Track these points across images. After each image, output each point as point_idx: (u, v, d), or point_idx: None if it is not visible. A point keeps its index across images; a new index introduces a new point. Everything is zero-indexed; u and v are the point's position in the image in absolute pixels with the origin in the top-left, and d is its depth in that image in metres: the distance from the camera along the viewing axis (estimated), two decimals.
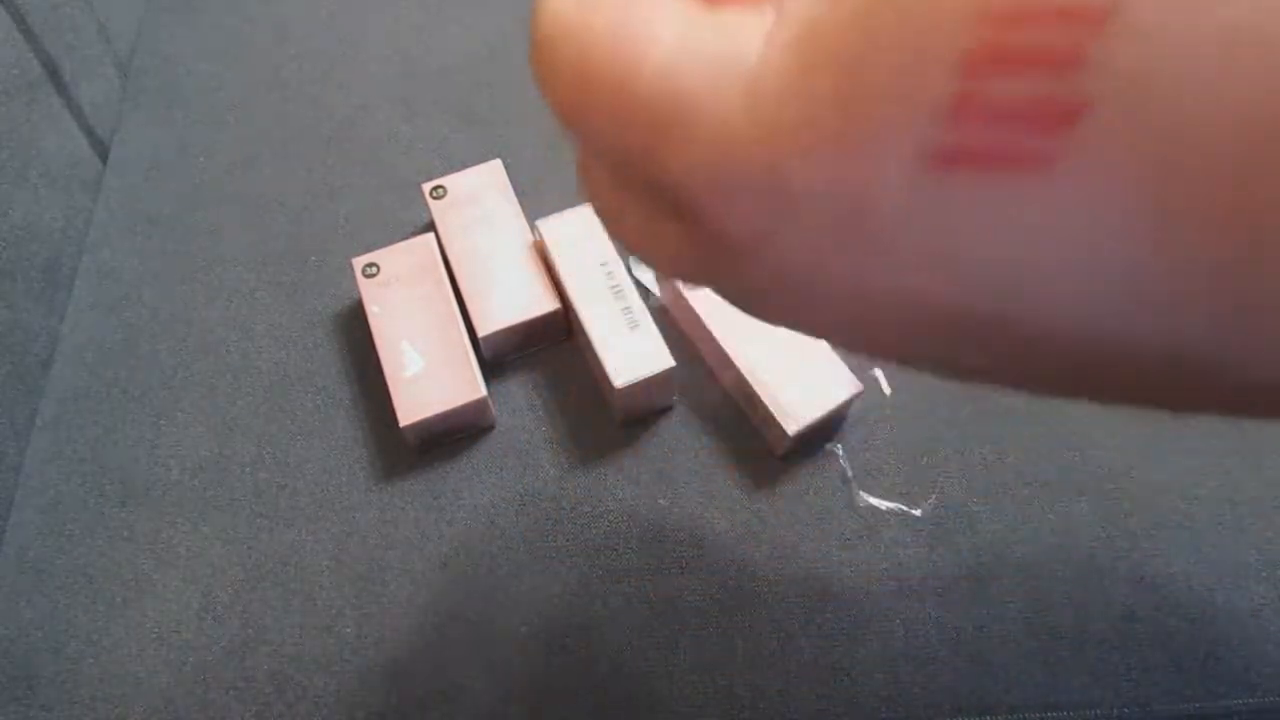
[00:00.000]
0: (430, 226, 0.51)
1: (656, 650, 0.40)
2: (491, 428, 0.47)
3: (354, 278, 0.48)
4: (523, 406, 0.47)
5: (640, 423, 0.46)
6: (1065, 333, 0.12)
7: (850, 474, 0.44)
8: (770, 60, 0.12)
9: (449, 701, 0.40)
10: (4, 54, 0.50)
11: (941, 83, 0.11)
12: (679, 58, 0.13)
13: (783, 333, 0.44)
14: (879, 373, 0.47)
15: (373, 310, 0.47)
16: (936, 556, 0.42)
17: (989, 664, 0.40)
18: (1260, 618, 0.40)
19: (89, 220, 0.55)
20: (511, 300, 0.47)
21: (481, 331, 0.46)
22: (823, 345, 0.44)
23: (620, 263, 0.46)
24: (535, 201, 0.51)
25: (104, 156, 0.58)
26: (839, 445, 0.45)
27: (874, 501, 0.43)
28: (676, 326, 0.48)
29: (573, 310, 0.45)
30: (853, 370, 0.44)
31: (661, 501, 0.44)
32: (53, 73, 0.54)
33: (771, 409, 0.42)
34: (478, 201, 0.50)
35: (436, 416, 0.43)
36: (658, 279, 0.48)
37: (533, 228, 0.49)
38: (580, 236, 0.47)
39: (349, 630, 0.41)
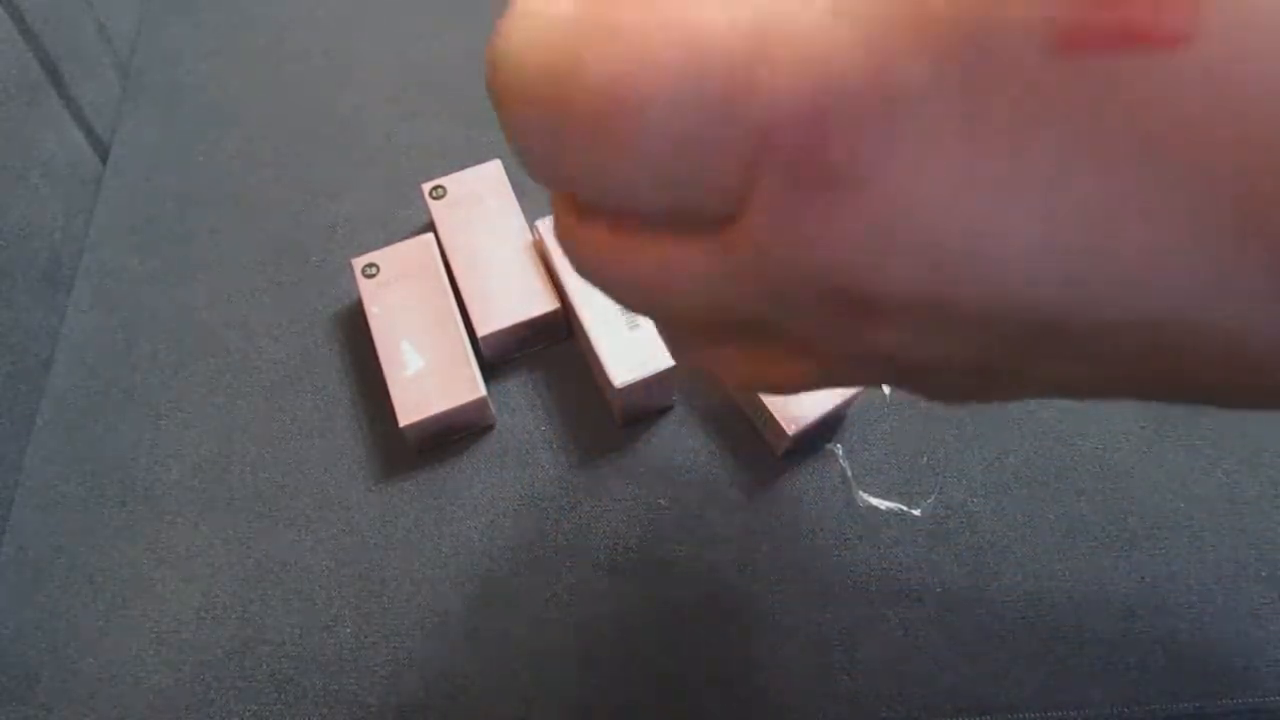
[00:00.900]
0: (430, 226, 0.51)
1: (656, 650, 0.40)
2: (491, 428, 0.47)
3: (354, 278, 0.48)
4: (523, 406, 0.47)
5: (640, 423, 0.46)
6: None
7: (850, 474, 0.44)
8: None
9: (449, 701, 0.40)
10: (4, 54, 0.50)
11: None
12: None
13: None
14: None
15: (372, 310, 0.47)
16: (936, 556, 0.42)
17: (989, 664, 0.40)
18: (1260, 618, 0.40)
19: (89, 220, 0.55)
20: (511, 300, 0.47)
21: (481, 331, 0.46)
22: None
23: None
24: (535, 201, 0.51)
25: (104, 156, 0.58)
26: (839, 445, 0.45)
27: (874, 501, 0.43)
28: None
29: (572, 310, 0.45)
30: None
31: (661, 501, 0.44)
32: (53, 73, 0.54)
33: (771, 409, 0.42)
34: (478, 201, 0.50)
35: (436, 416, 0.43)
36: None
37: (533, 228, 0.49)
38: None
39: (349, 630, 0.41)
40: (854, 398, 0.43)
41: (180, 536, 0.44)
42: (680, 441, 0.46)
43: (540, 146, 0.13)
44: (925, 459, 0.44)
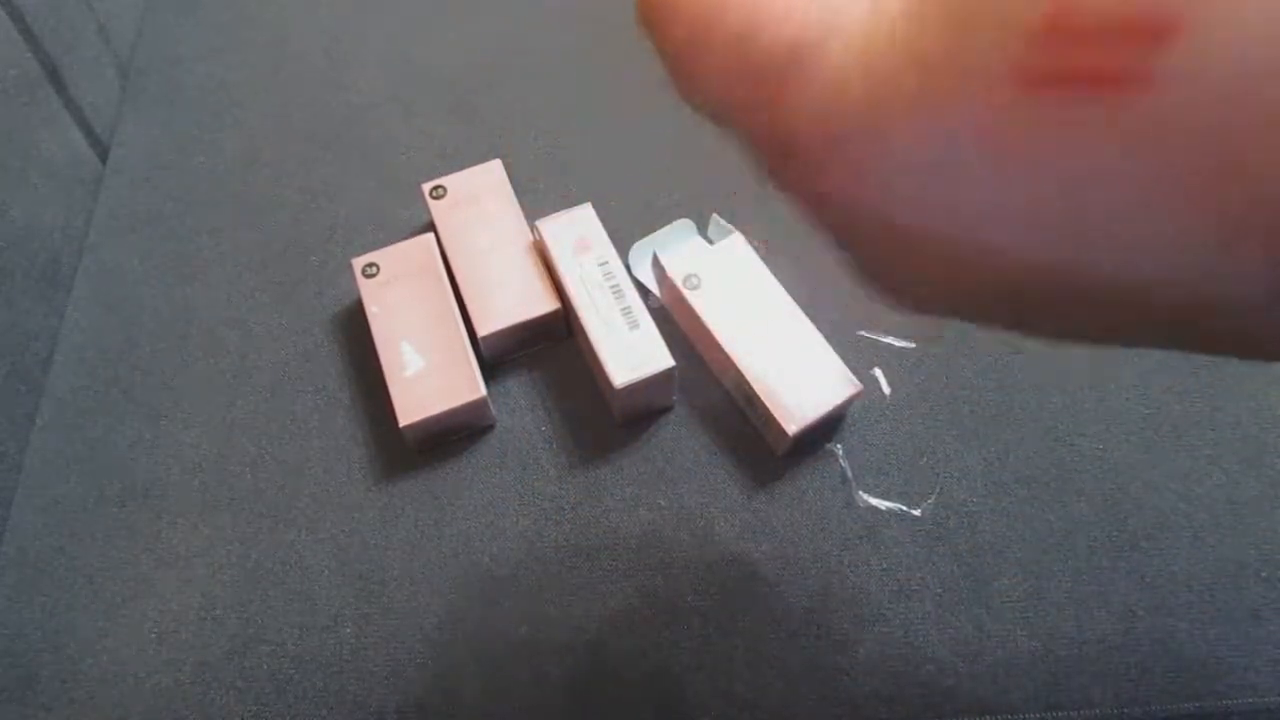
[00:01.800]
0: (430, 226, 0.51)
1: (656, 650, 0.40)
2: (491, 427, 0.47)
3: (354, 278, 0.48)
4: (523, 406, 0.47)
5: (640, 423, 0.46)
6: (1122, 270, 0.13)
7: (850, 474, 0.44)
8: (882, 6, 0.13)
9: (449, 701, 0.40)
10: (4, 54, 0.50)
11: (1033, 6, 0.12)
12: (797, 13, 0.14)
13: (781, 334, 0.44)
14: (878, 372, 0.47)
15: (372, 310, 0.47)
16: (936, 556, 0.42)
17: (989, 664, 0.40)
18: (1260, 618, 0.40)
19: (89, 220, 0.55)
20: (511, 300, 0.47)
21: (481, 331, 0.46)
22: (822, 345, 0.44)
23: (620, 262, 0.46)
24: (535, 201, 0.51)
25: (104, 156, 0.58)
26: (839, 445, 0.45)
27: (874, 501, 0.43)
28: (676, 326, 0.48)
29: (572, 310, 0.45)
30: (852, 370, 0.44)
31: (661, 501, 0.44)
32: (53, 73, 0.54)
33: (771, 409, 0.42)
34: (477, 201, 0.50)
35: (436, 416, 0.43)
36: (657, 280, 0.48)
37: (533, 228, 0.49)
38: (580, 236, 0.47)
39: (349, 630, 0.41)
40: (854, 397, 0.43)
41: (180, 536, 0.44)
42: (680, 441, 0.46)
43: (663, 42, 0.17)
44: (925, 459, 0.44)
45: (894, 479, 0.44)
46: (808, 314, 0.45)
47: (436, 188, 0.51)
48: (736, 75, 0.15)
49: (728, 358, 0.44)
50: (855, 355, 0.47)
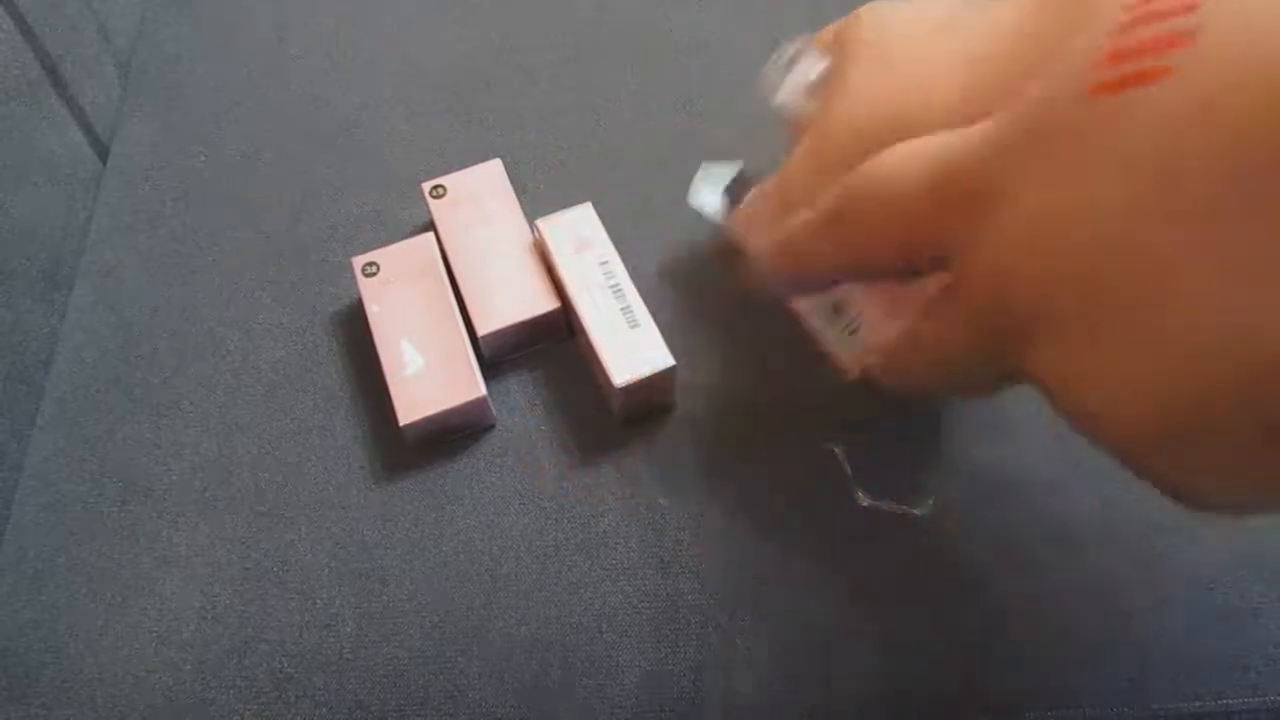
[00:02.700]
0: (430, 226, 0.51)
1: (656, 650, 0.40)
2: (491, 427, 0.47)
3: (354, 277, 0.48)
4: (523, 406, 0.47)
5: (640, 423, 0.46)
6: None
7: (850, 474, 0.44)
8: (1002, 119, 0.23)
9: (449, 701, 0.40)
10: (4, 54, 0.50)
11: (1103, 39, 0.19)
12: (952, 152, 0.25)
13: None
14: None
15: (372, 309, 0.47)
16: (936, 556, 0.42)
17: (989, 664, 0.40)
18: (1260, 618, 0.40)
19: (89, 220, 0.55)
20: (511, 299, 0.47)
21: (481, 330, 0.46)
22: None
23: (620, 262, 0.46)
24: (535, 201, 0.51)
25: (104, 156, 0.58)
26: (839, 445, 0.45)
27: (874, 502, 0.43)
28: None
29: (573, 309, 0.45)
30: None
31: (661, 501, 0.44)
32: (53, 73, 0.54)
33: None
34: (478, 201, 0.50)
35: (436, 415, 0.44)
36: (724, 204, 0.46)
37: (533, 227, 0.49)
38: (580, 235, 0.47)
39: (349, 630, 0.41)
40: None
41: (180, 536, 0.44)
42: (680, 441, 0.46)
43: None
44: (925, 459, 0.44)
45: (894, 479, 0.44)
46: None
47: (436, 187, 0.51)
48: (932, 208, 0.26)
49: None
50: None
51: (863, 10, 0.36)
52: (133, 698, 0.40)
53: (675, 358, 0.43)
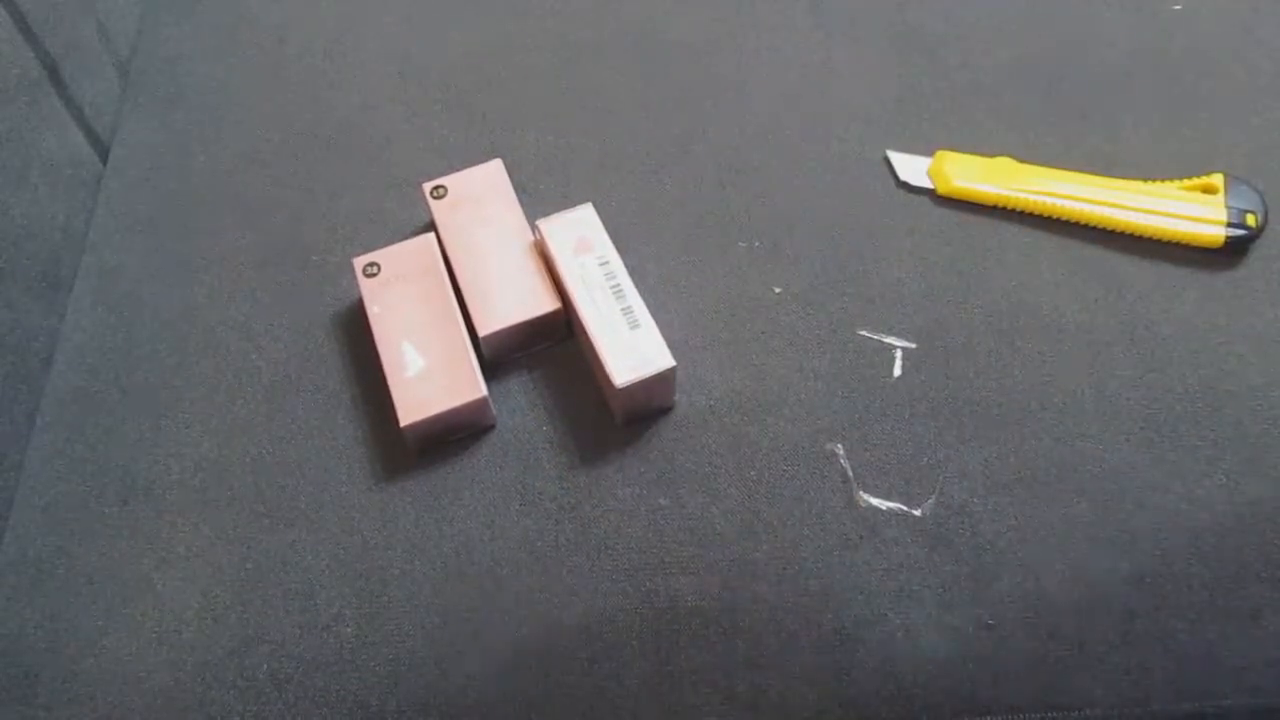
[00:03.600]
0: (430, 226, 0.51)
1: (656, 650, 0.40)
2: (491, 428, 0.47)
3: (354, 277, 0.48)
4: (523, 406, 0.47)
5: (640, 423, 0.46)
6: None
7: (850, 474, 0.44)
8: None
9: (449, 701, 0.40)
10: (4, 54, 0.50)
11: None
12: None
13: None
14: (898, 355, 0.47)
15: (373, 310, 0.47)
16: (936, 556, 0.42)
17: (989, 664, 0.40)
18: (1260, 618, 0.40)
19: (89, 220, 0.55)
20: (512, 300, 0.47)
21: (482, 331, 0.46)
22: None
23: (620, 262, 0.46)
24: (535, 201, 0.51)
25: (104, 156, 0.58)
26: (839, 445, 0.45)
27: (874, 501, 0.43)
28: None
29: (573, 310, 0.45)
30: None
31: (662, 501, 0.44)
32: (53, 73, 0.54)
33: None
34: (478, 201, 0.50)
35: (437, 416, 0.44)
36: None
37: (533, 228, 0.49)
38: (581, 236, 0.47)
39: (349, 630, 0.41)
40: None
41: (180, 536, 0.44)
42: (680, 441, 0.46)
43: None
44: (925, 459, 0.44)
45: (894, 479, 0.44)
46: (806, 311, 0.45)
47: (437, 187, 0.51)
48: None
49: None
50: (855, 355, 0.47)
51: None
52: (133, 698, 0.40)
53: (675, 358, 0.43)
